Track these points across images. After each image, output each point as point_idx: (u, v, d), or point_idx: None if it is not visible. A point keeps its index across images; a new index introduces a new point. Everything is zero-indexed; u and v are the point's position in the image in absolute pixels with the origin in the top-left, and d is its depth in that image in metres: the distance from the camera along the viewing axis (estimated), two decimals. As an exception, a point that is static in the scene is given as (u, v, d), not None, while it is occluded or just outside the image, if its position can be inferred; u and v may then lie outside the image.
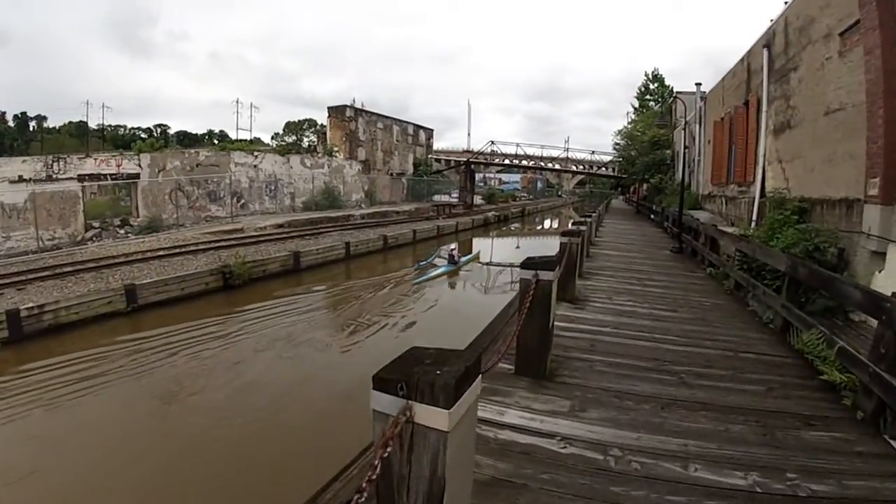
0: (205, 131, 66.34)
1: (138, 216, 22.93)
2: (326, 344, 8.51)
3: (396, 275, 14.86)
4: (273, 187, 26.90)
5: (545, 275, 3.51)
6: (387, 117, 38.78)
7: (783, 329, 5.34)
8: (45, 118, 61.18)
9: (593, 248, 11.61)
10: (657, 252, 11.83)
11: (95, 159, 22.28)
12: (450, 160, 46.39)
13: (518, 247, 23.15)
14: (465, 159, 39.96)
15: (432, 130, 45.19)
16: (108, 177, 22.10)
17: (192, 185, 23.47)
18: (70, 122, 60.13)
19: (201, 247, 15.75)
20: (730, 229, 9.02)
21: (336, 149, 33.22)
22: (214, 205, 24.09)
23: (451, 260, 14.72)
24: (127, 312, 9.63)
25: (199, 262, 13.32)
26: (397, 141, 39.79)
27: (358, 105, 38.04)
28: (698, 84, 17.45)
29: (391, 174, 38.16)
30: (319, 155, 31.29)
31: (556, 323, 4.13)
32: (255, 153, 27.11)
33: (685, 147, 20.98)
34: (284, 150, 29.17)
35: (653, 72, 38.31)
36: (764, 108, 10.01)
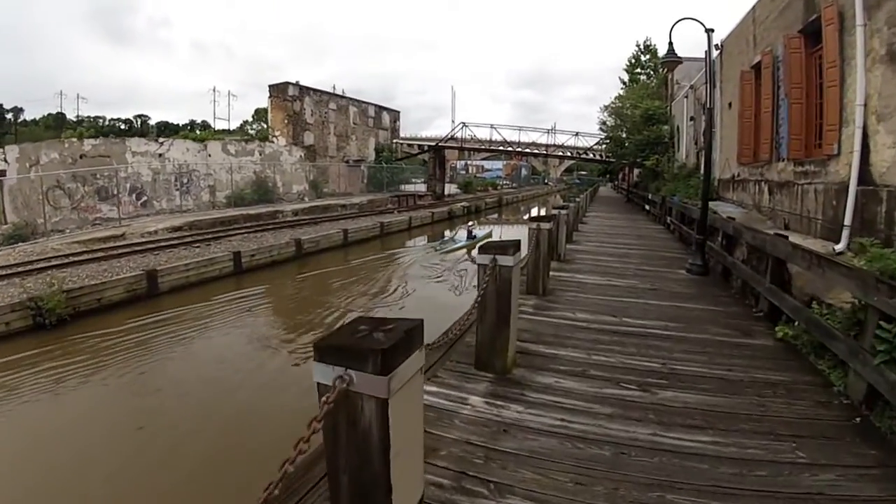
0: (187, 121, 60.56)
1: (5, 222, 18.20)
2: None
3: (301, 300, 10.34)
4: (186, 180, 22.03)
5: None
6: (342, 97, 33.72)
7: None
8: (21, 110, 56.68)
9: (559, 269, 7.12)
10: (666, 274, 7.33)
11: (-54, 154, 17.50)
12: (421, 146, 41.49)
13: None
14: (432, 144, 35.19)
15: (398, 112, 40.14)
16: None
17: (77, 182, 18.64)
18: (49, 115, 55.68)
19: (54, 262, 11.16)
20: (812, 243, 4.60)
21: (277, 133, 28.25)
22: (106, 204, 19.22)
23: (470, 235, 17.49)
24: None
25: (21, 288, 8.80)
26: (355, 124, 34.80)
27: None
28: (710, 30, 12.85)
29: (347, 161, 33.26)
30: (248, 140, 26.34)
31: None
32: (161, 140, 22.24)
33: (690, 118, 16.52)
34: (207, 137, 24.17)
35: (644, 42, 33.49)
36: (858, 22, 5.54)
